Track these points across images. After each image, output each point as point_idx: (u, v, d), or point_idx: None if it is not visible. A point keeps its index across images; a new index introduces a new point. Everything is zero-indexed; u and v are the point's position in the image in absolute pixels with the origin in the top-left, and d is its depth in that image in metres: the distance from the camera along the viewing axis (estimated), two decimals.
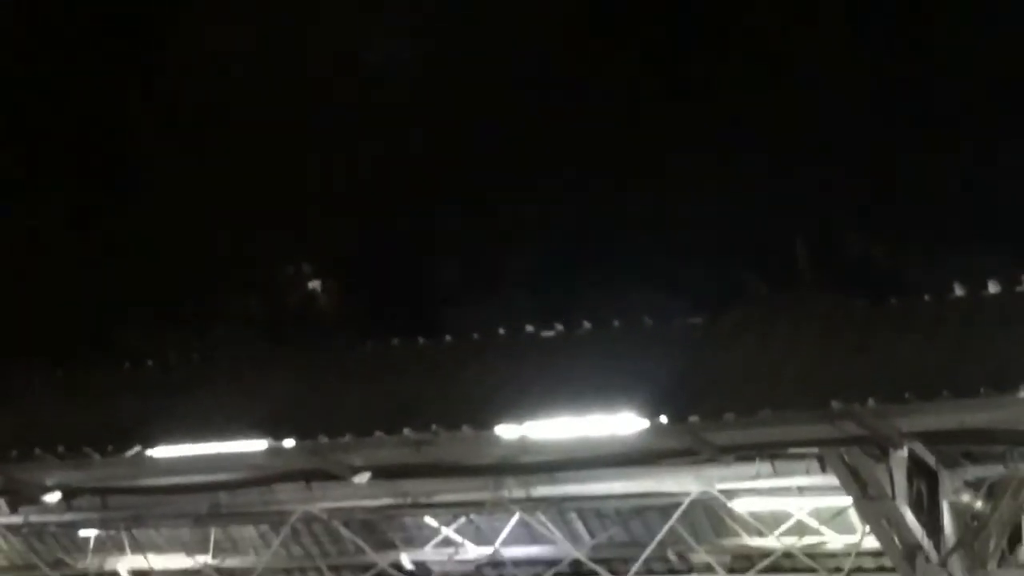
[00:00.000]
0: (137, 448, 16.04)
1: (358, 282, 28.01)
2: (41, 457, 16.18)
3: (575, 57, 26.67)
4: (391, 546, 18.62)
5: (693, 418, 13.46)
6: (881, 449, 13.69)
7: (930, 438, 13.75)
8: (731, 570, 17.23)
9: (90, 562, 19.85)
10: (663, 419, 13.69)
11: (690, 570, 17.52)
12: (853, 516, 15.92)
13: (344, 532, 18.42)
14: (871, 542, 15.65)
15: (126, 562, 19.82)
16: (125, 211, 28.15)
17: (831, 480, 14.40)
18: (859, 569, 16.58)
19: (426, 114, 27.30)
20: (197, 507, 17.59)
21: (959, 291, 14.13)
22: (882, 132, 24.69)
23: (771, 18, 25.63)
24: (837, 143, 24.67)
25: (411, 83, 27.67)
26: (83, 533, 19.33)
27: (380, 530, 18.54)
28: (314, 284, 28.71)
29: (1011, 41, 22.91)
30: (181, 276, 27.57)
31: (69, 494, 16.80)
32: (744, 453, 14.33)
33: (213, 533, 19.31)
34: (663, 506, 16.62)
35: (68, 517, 18.16)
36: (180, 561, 19.69)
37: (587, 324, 16.57)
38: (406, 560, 18.54)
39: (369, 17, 28.05)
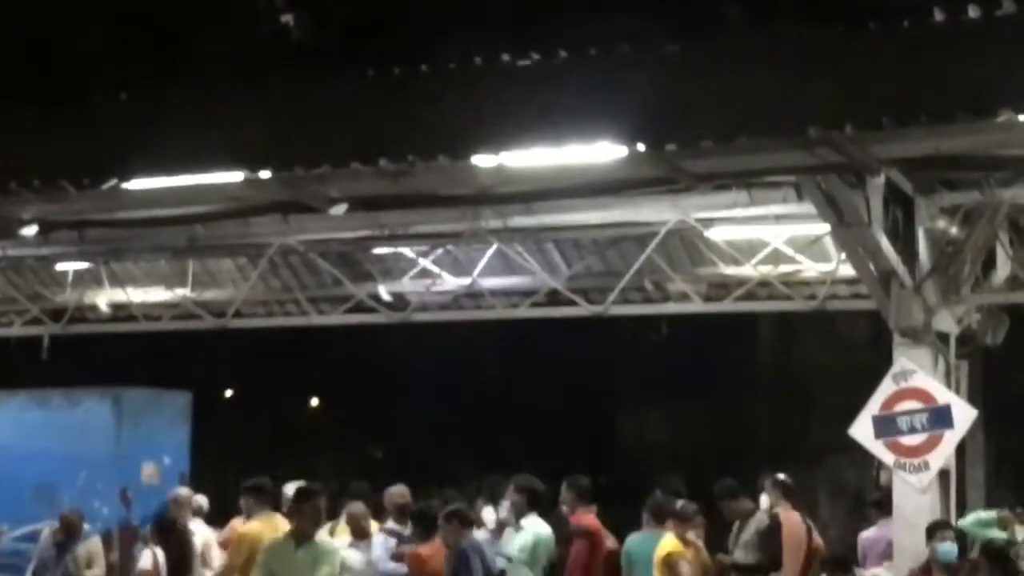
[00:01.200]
0: (113, 181, 15.92)
1: (332, 14, 27.66)
2: (16, 191, 16.06)
3: None
4: (369, 278, 18.73)
5: (670, 146, 13.35)
6: (858, 176, 13.66)
7: (907, 164, 13.74)
8: (707, 299, 17.38)
9: (69, 296, 19.96)
10: (640, 147, 13.59)
11: (666, 299, 17.66)
12: (829, 244, 16.04)
13: (322, 264, 18.53)
14: (846, 270, 15.77)
15: (105, 296, 19.92)
16: None
17: (807, 208, 14.39)
18: (834, 297, 16.73)
19: None
20: (174, 240, 17.61)
21: (938, 16, 13.94)
22: None
23: None
24: None
25: None
26: (61, 267, 19.39)
27: (357, 262, 18.63)
28: (287, 17, 28.38)
29: None
30: (154, 10, 27.19)
31: (46, 227, 16.74)
32: (721, 181, 14.31)
33: (191, 266, 19.39)
34: (640, 236, 16.71)
35: (46, 251, 18.16)
36: (159, 294, 19.82)
37: (563, 53, 16.37)
38: (384, 291, 18.65)
39: None
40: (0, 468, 16.92)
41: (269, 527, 13.69)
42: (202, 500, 16.41)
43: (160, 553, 14.48)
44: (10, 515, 16.68)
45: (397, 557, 14.19)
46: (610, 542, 14.44)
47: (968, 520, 14.26)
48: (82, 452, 16.28)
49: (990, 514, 14.42)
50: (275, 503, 14.21)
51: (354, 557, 14.37)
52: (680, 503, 15.02)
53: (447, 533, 13.46)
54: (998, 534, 14.28)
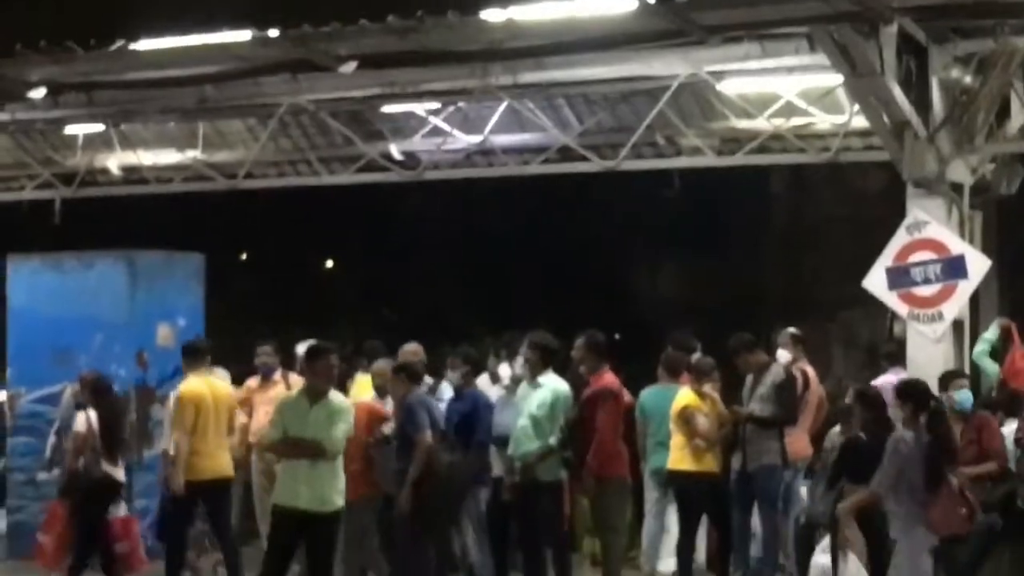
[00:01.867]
0: (121, 41, 15.86)
1: None
2: (23, 53, 16.00)
3: None
4: (380, 137, 18.67)
5: None
6: (871, 26, 13.55)
7: (920, 12, 13.62)
8: (720, 152, 17.30)
9: (80, 159, 19.93)
10: None
11: (679, 153, 17.58)
12: (842, 95, 15.92)
13: (332, 123, 18.45)
14: (859, 121, 15.69)
15: (116, 158, 19.89)
16: None
17: (820, 59, 14.30)
18: (847, 149, 16.62)
19: None
20: (184, 101, 17.52)
21: None
22: None
23: None
24: None
25: None
26: (71, 130, 19.34)
27: (368, 121, 18.55)
28: None
29: None
30: None
31: (54, 90, 16.69)
32: (733, 33, 14.18)
33: (201, 128, 19.33)
34: (651, 90, 16.60)
35: (55, 114, 18.10)
36: (170, 156, 19.79)
37: None
38: (395, 150, 18.59)
39: None
40: (16, 332, 16.97)
41: (205, 383, 14.12)
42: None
43: (94, 415, 14.60)
44: (28, 378, 16.79)
45: None
46: (626, 397, 14.51)
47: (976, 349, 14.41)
48: (97, 315, 16.30)
49: (992, 332, 14.49)
50: (211, 359, 14.46)
51: None
52: (695, 357, 15.07)
53: (395, 387, 13.61)
54: (991, 366, 14.36)
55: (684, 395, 14.43)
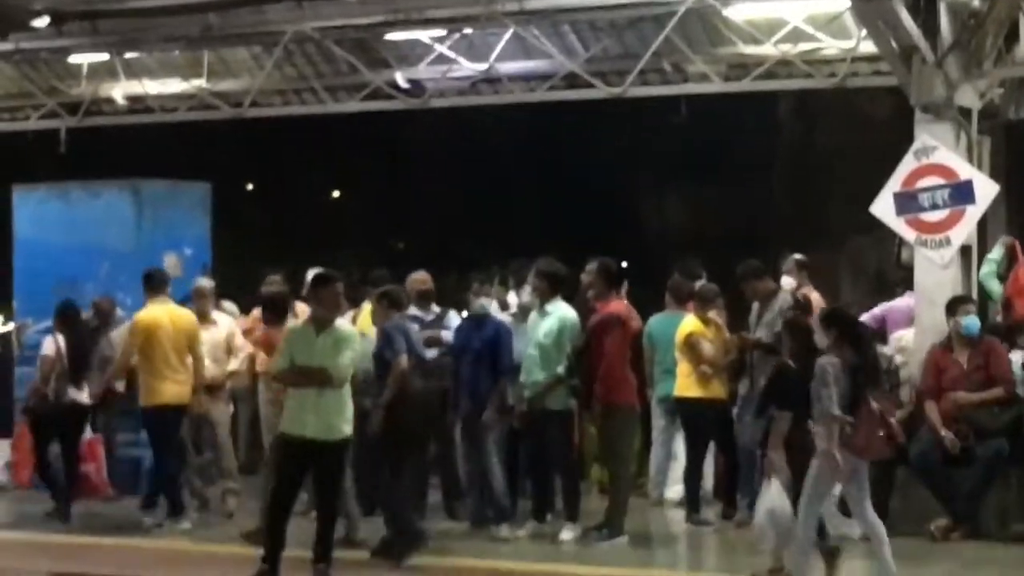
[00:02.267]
0: None
1: None
2: None
3: None
4: (385, 65, 18.56)
5: None
6: None
7: None
8: (727, 79, 17.19)
9: (85, 88, 19.86)
10: None
11: (685, 80, 17.47)
12: (849, 20, 15.84)
13: (337, 51, 18.36)
14: (867, 46, 15.60)
15: (121, 88, 19.82)
16: None
17: None
18: (855, 74, 16.55)
19: None
20: (188, 30, 17.46)
21: None
22: None
23: None
24: None
25: None
26: (76, 59, 19.27)
27: (373, 48, 18.45)
28: None
29: None
30: None
31: (58, 18, 16.63)
32: None
33: (206, 56, 19.24)
34: (658, 16, 16.51)
35: (59, 43, 18.03)
36: (175, 86, 19.71)
37: None
38: (401, 78, 18.51)
39: None
40: (23, 262, 16.97)
41: (166, 311, 14.25)
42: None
43: (62, 340, 14.81)
44: (35, 308, 16.79)
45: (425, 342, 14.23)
46: (636, 323, 14.41)
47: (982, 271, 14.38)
48: (104, 244, 16.30)
49: (996, 251, 14.45)
50: (166, 288, 14.51)
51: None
52: (700, 283, 15.06)
53: (376, 313, 13.59)
54: (996, 288, 14.32)
55: (688, 322, 14.44)
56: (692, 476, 14.39)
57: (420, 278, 15.12)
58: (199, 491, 15.14)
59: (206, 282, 15.49)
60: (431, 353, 14.19)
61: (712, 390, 14.29)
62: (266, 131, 21.53)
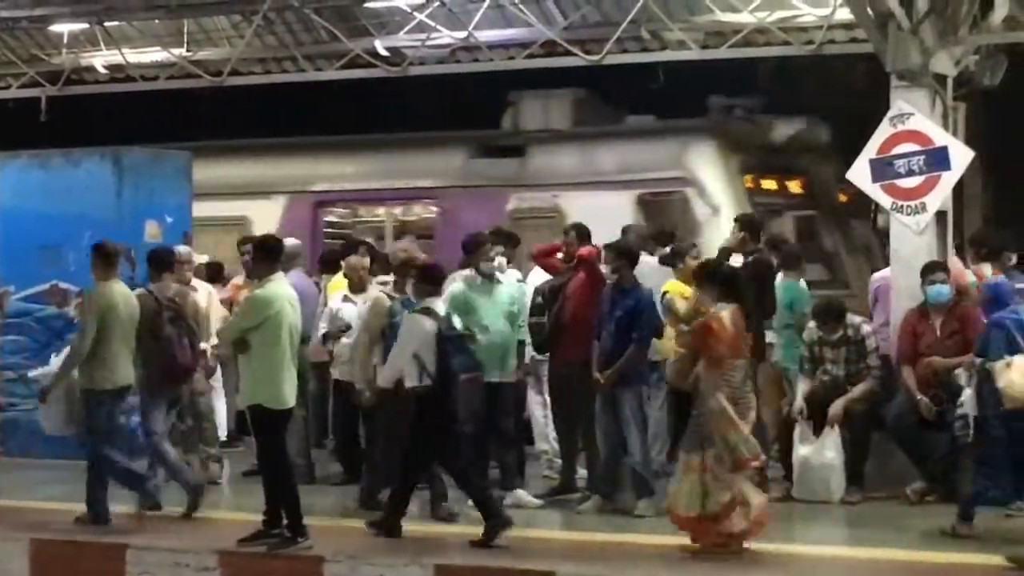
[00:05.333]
0: None
1: None
2: None
3: None
4: (365, 33, 18.64)
5: None
6: None
7: None
8: (704, 46, 17.30)
9: (65, 57, 19.89)
10: None
11: (663, 47, 17.57)
12: None
13: (317, 20, 18.41)
14: (843, 14, 15.72)
15: (101, 57, 19.86)
16: None
17: None
18: (831, 41, 16.66)
19: None
20: None
21: None
22: None
23: None
24: None
25: None
26: (56, 28, 19.29)
27: (353, 17, 18.53)
28: None
29: None
30: None
31: None
32: None
33: (186, 25, 19.28)
34: None
35: (39, 12, 18.06)
36: (155, 54, 19.75)
37: None
38: (380, 47, 18.58)
39: None
40: (4, 230, 16.97)
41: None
42: (202, 259, 16.64)
43: None
44: (16, 276, 16.82)
45: None
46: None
47: None
48: (85, 212, 16.29)
49: None
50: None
51: (349, 311, 14.50)
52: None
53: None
54: None
55: (668, 284, 14.43)
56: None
57: (402, 246, 15.14)
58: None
59: (184, 249, 15.54)
60: None
61: None
62: (244, 97, 21.51)
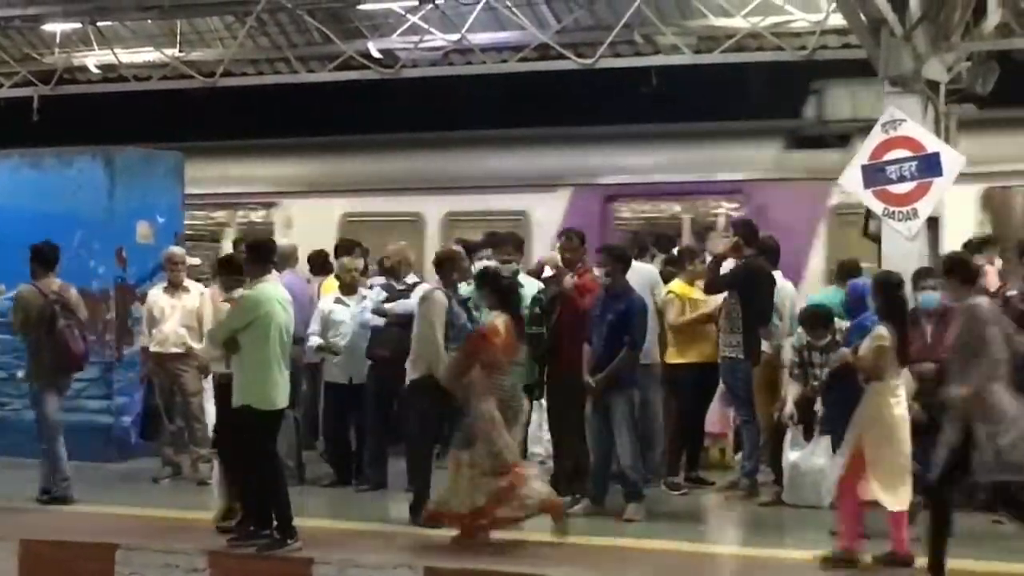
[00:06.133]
0: None
1: None
2: None
3: None
4: (358, 35, 18.66)
5: None
6: None
7: None
8: (697, 51, 17.34)
9: (57, 57, 19.88)
10: None
11: (656, 52, 17.61)
12: None
13: (310, 21, 18.42)
14: (836, 19, 15.74)
15: (94, 57, 19.86)
16: None
17: None
18: (824, 47, 16.68)
19: None
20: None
21: None
22: None
23: None
24: None
25: None
26: (49, 28, 19.27)
27: (346, 19, 18.55)
28: None
29: None
30: None
31: None
32: None
33: (179, 25, 19.28)
34: None
35: (32, 11, 18.04)
36: (147, 54, 19.74)
37: None
38: (373, 49, 18.59)
39: None
40: None
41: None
42: (195, 260, 16.62)
43: None
44: (7, 275, 16.77)
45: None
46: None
47: None
48: (76, 212, 16.28)
49: None
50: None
51: (340, 313, 14.53)
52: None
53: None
54: None
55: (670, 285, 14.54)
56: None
57: (395, 248, 15.13)
58: (171, 458, 15.21)
59: (178, 250, 15.55)
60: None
61: (683, 355, 14.39)
62: (237, 98, 21.51)
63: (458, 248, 14.17)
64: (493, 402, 11.85)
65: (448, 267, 13.25)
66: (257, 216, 19.73)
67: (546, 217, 17.86)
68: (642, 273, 14.23)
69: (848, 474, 11.27)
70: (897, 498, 11.14)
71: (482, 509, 11.79)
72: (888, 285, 11.68)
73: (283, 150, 20.15)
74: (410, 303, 13.86)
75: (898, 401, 11.35)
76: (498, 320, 12.12)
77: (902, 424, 11.30)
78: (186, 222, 17.30)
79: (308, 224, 18.64)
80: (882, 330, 11.34)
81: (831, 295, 14.41)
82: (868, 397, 11.33)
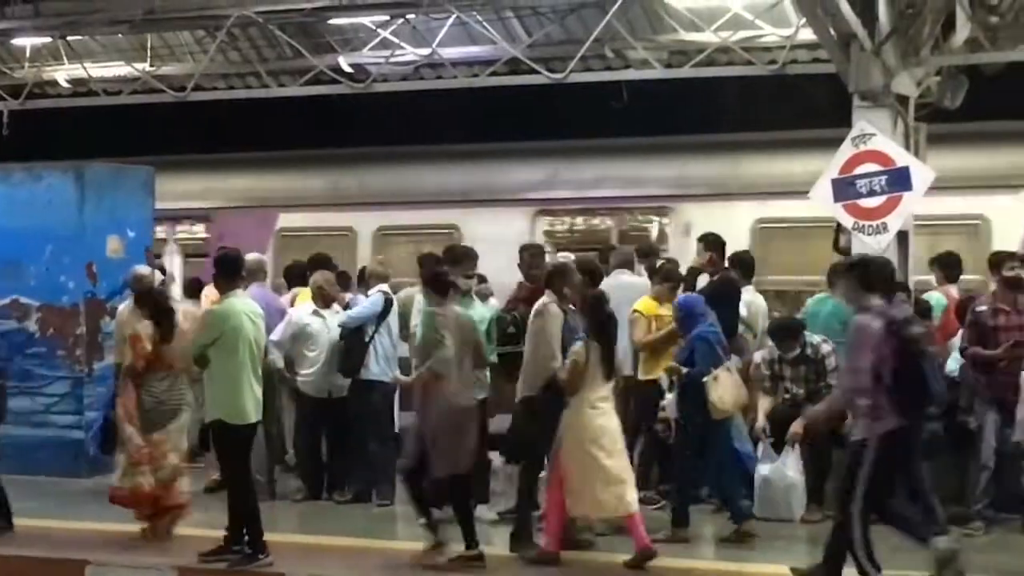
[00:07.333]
0: None
1: None
2: None
3: None
4: (329, 49, 18.66)
5: None
6: None
7: None
8: (668, 65, 17.39)
9: (27, 71, 19.83)
10: None
11: (627, 66, 17.64)
12: (789, 8, 16.04)
13: (281, 36, 18.41)
14: (806, 34, 15.78)
15: (64, 71, 19.81)
16: None
17: None
18: (794, 62, 16.73)
19: None
20: (132, 13, 17.46)
21: None
22: None
23: None
24: None
25: None
26: (18, 42, 19.23)
27: (317, 33, 18.55)
28: None
29: None
30: None
31: (0, 1, 16.59)
32: None
33: (150, 40, 19.25)
34: (600, 2, 16.71)
35: (2, 25, 18.00)
36: (118, 69, 19.71)
37: None
38: (344, 63, 18.59)
39: None
40: None
41: None
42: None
43: None
44: None
45: None
46: None
47: None
48: (46, 227, 16.23)
49: None
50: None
51: (316, 325, 14.54)
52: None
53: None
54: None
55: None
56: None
57: (377, 259, 15.30)
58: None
59: (144, 268, 15.47)
60: None
61: (647, 371, 14.30)
62: (207, 112, 21.48)
63: (570, 261, 13.90)
64: (131, 402, 12.71)
65: (558, 281, 12.64)
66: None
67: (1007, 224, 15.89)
68: (627, 288, 14.23)
69: (553, 484, 11.84)
70: (621, 503, 11.71)
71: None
72: (595, 303, 12.07)
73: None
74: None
75: (600, 412, 11.81)
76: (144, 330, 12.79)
77: (606, 433, 11.77)
78: None
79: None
80: (577, 346, 11.83)
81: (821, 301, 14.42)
82: (567, 411, 11.82)
